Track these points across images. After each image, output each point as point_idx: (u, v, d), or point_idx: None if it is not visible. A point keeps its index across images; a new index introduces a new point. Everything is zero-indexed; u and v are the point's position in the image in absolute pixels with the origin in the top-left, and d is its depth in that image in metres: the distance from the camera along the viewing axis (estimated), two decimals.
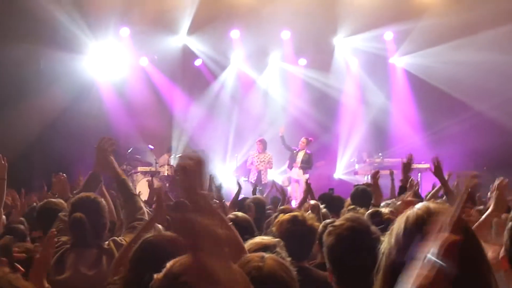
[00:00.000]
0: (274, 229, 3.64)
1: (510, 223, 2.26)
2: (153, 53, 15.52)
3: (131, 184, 4.36)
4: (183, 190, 1.63)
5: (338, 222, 2.90)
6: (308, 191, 6.83)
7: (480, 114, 13.97)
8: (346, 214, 3.31)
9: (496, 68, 13.37)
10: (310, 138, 14.23)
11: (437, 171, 5.83)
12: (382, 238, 2.56)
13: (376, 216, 3.96)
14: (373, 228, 2.87)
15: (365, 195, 6.04)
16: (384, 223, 3.32)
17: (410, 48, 15.42)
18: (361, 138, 15.96)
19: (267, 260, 2.25)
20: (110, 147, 4.32)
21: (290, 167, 14.05)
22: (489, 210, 3.90)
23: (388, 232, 1.74)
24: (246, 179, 13.95)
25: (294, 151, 14.11)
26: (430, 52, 14.85)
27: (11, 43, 12.58)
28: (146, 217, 4.04)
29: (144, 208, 4.13)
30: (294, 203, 10.23)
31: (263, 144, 14.23)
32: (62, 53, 13.53)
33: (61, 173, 6.15)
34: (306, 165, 13.82)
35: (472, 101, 14.20)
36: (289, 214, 3.64)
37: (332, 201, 6.62)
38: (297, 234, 3.47)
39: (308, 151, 14.05)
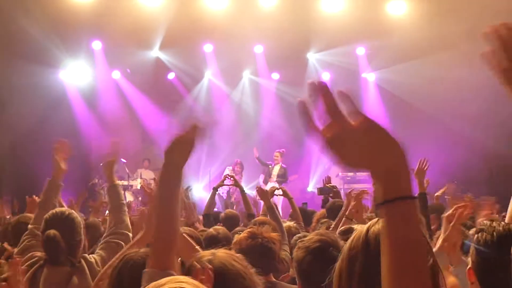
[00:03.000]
0: (233, 248, 3.59)
1: (476, 236, 2.30)
2: (126, 66, 15.47)
3: (122, 192, 4.31)
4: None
5: (307, 237, 2.95)
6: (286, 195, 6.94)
7: (450, 129, 14.15)
8: (317, 230, 3.34)
9: (466, 84, 13.57)
10: (281, 150, 14.29)
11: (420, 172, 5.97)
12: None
13: (348, 233, 3.95)
14: (342, 243, 2.90)
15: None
16: None
17: (382, 63, 15.60)
18: None
19: (218, 253, 2.28)
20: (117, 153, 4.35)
21: (266, 182, 14.06)
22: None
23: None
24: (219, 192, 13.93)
25: (270, 166, 14.16)
26: (402, 68, 15.02)
27: None
28: (129, 231, 4.00)
29: (128, 221, 4.08)
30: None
31: (241, 167, 14.32)
32: (33, 66, 13.38)
33: (34, 196, 6.08)
34: (282, 179, 13.87)
35: (442, 116, 14.38)
36: (246, 231, 3.62)
37: (306, 215, 6.72)
38: (256, 249, 3.41)
39: (283, 165, 14.13)
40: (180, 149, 2.18)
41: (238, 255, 2.33)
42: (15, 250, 4.00)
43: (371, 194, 5.87)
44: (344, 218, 4.83)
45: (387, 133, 1.43)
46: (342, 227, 4.18)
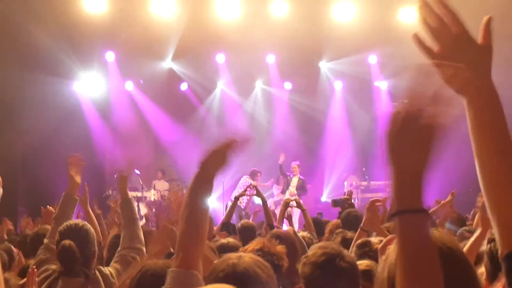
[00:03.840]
0: None
1: (488, 245, 2.27)
2: (139, 77, 15.53)
3: (136, 207, 4.31)
4: None
5: (310, 252, 2.93)
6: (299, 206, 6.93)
7: (465, 136, 14.05)
8: (318, 244, 3.32)
9: None
10: (297, 162, 14.29)
11: None
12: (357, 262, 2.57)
13: (365, 246, 3.92)
14: (346, 252, 2.93)
15: (356, 221, 6.01)
16: (374, 253, 3.35)
17: (395, 71, 15.54)
18: (347, 161, 15.99)
19: (243, 258, 2.28)
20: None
21: (283, 192, 14.10)
22: (478, 232, 3.90)
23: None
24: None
25: (289, 177, 14.19)
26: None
27: None
28: (143, 245, 4.00)
29: (142, 236, 4.07)
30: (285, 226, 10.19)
31: (260, 176, 14.40)
32: (46, 78, 13.48)
33: (48, 206, 6.11)
34: (301, 191, 13.93)
35: (457, 123, 14.28)
36: (253, 248, 3.56)
37: (320, 226, 6.72)
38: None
39: (301, 177, 14.17)
40: (214, 162, 2.38)
41: (265, 262, 2.32)
42: (31, 262, 4.01)
43: (383, 202, 5.81)
44: (359, 230, 4.78)
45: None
46: (359, 240, 4.14)
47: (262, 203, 7.32)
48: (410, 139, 1.43)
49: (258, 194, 7.82)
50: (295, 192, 13.78)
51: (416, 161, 1.44)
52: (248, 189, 8.47)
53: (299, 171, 14.24)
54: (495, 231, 1.49)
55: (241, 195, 8.16)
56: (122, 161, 4.48)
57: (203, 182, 2.29)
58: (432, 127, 1.44)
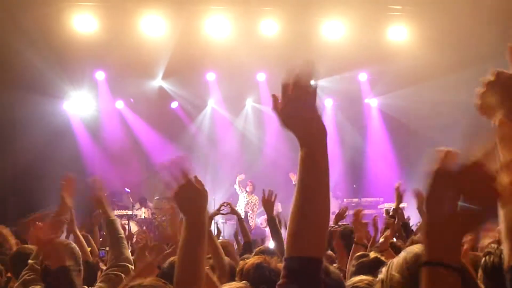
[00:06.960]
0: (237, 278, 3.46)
1: (483, 259, 2.27)
2: (129, 96, 15.52)
3: (119, 226, 4.30)
4: None
5: None
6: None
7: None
8: None
9: (467, 107, 13.58)
10: None
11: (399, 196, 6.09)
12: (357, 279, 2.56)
13: (363, 257, 3.89)
14: (332, 268, 2.90)
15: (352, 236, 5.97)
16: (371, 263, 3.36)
17: (384, 88, 15.62)
18: (338, 177, 15.99)
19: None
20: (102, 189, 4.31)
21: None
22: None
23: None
24: (224, 221, 13.84)
25: None
26: (404, 93, 15.05)
27: None
28: (129, 263, 3.98)
29: (128, 254, 4.06)
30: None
31: (253, 186, 14.33)
32: (37, 97, 13.46)
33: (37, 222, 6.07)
34: None
35: (446, 140, 14.34)
36: (252, 260, 3.49)
37: None
38: (263, 280, 3.22)
39: None
40: (189, 201, 2.15)
41: None
42: (16, 284, 3.97)
43: (376, 219, 5.79)
44: (354, 245, 4.75)
45: None
46: (358, 253, 4.09)
47: (238, 220, 7.23)
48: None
49: (234, 211, 7.67)
50: None
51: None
52: (223, 207, 8.20)
53: None
54: (504, 244, 1.48)
55: (215, 214, 7.99)
56: (92, 185, 4.39)
57: (195, 231, 2.12)
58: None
